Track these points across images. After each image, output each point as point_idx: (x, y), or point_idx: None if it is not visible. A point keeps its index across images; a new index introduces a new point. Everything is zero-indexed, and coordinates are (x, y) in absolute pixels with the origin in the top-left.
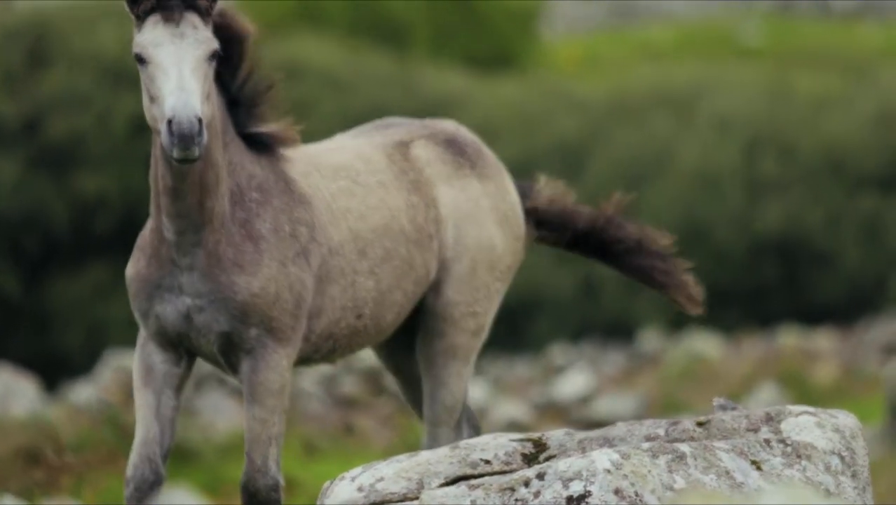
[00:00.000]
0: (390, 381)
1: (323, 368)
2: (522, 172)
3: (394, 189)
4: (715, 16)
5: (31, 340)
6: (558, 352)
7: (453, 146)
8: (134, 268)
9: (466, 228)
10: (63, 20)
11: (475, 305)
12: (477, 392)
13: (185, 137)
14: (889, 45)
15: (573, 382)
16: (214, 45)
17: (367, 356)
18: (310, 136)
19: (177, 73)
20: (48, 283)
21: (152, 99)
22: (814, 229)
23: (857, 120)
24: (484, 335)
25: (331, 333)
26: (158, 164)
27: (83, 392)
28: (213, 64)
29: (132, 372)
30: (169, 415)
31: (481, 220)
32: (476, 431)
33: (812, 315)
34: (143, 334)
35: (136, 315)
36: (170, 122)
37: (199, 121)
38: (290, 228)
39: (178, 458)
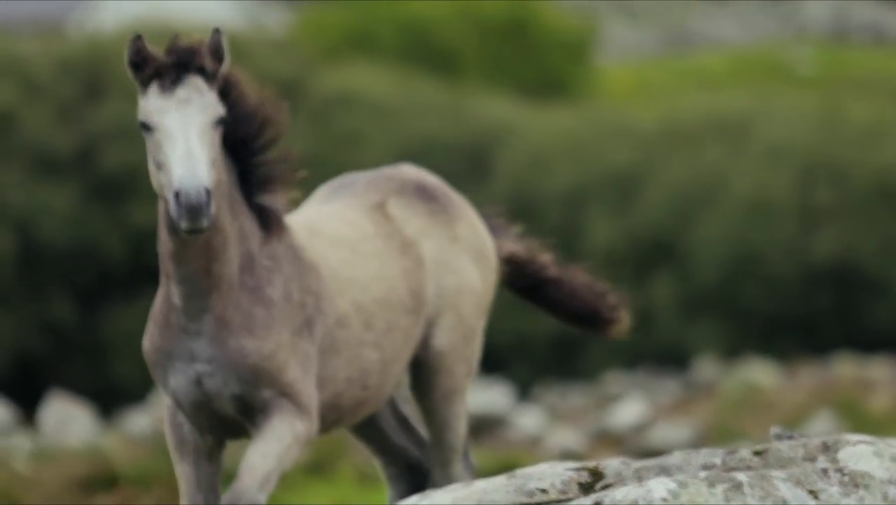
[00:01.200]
0: None
1: None
2: (576, 201)
3: (387, 257)
4: (767, 43)
5: (86, 369)
6: (613, 380)
7: (423, 194)
8: (149, 340)
9: (449, 277)
10: (118, 51)
11: (465, 350)
12: (531, 420)
13: (193, 209)
14: None
15: (628, 411)
16: (220, 110)
17: None
18: (364, 168)
19: (183, 142)
20: (103, 312)
21: (159, 166)
22: (868, 257)
23: None
24: (475, 369)
25: (336, 404)
26: (163, 229)
27: (138, 421)
28: (220, 129)
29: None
30: (208, 483)
31: (461, 265)
32: (466, 457)
33: (867, 343)
34: (169, 403)
35: (162, 389)
36: (177, 193)
37: (207, 192)
38: (298, 297)
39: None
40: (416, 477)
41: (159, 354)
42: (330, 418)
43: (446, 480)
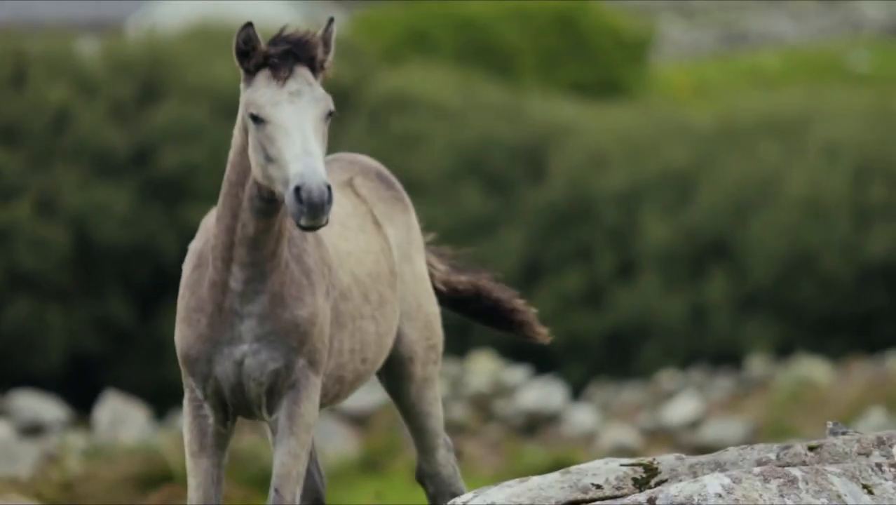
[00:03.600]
0: (500, 407)
1: None
2: (632, 200)
3: (370, 232)
4: (823, 42)
5: (142, 368)
6: (667, 378)
7: (384, 180)
8: (194, 332)
9: (406, 266)
10: (176, 53)
11: (432, 337)
12: (586, 417)
13: (315, 207)
14: None
15: (682, 408)
16: (330, 104)
17: (478, 382)
18: (423, 169)
19: (300, 137)
20: (159, 313)
21: (269, 159)
22: None
23: None
24: (440, 356)
25: (340, 376)
26: (241, 213)
27: None
28: (329, 122)
29: (183, 429)
30: (220, 477)
31: (414, 253)
32: (445, 439)
33: None
34: (194, 396)
35: (194, 381)
36: (298, 189)
37: (329, 189)
38: (320, 267)
39: None
40: None
41: (207, 344)
42: (332, 392)
43: (434, 466)
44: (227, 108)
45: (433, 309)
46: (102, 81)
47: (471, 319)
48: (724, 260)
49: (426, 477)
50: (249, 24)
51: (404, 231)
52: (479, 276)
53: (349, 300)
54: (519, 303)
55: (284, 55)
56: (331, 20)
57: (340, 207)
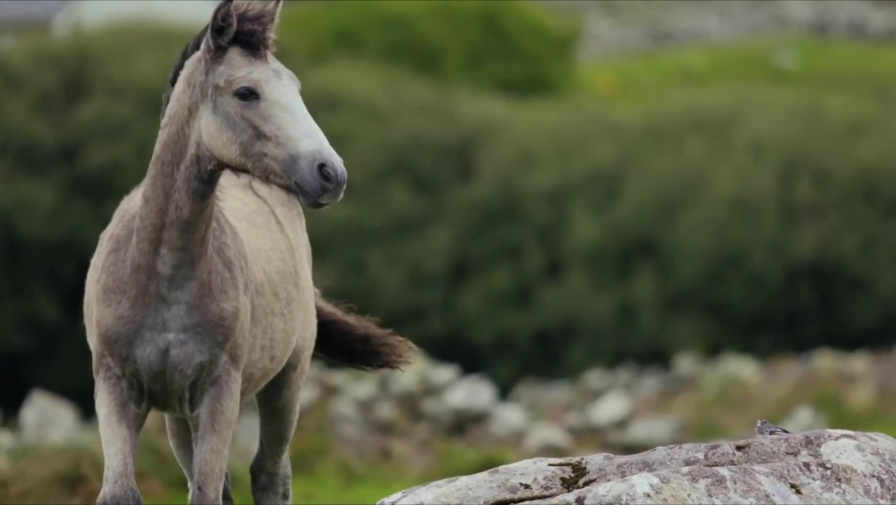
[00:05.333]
0: (428, 406)
1: (360, 393)
2: (560, 199)
3: (275, 231)
4: (749, 39)
5: (68, 367)
6: (595, 377)
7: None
8: (114, 313)
9: (302, 272)
10: (102, 48)
11: (311, 349)
12: (514, 416)
13: (340, 183)
14: None
15: (610, 407)
16: (299, 83)
17: (405, 382)
18: (352, 168)
19: (303, 114)
20: None
21: (263, 136)
22: (849, 254)
23: (892, 144)
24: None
25: (249, 373)
26: (175, 194)
27: None
28: None
29: (99, 405)
30: (135, 453)
31: (305, 261)
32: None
33: (847, 339)
34: (110, 374)
35: (111, 360)
36: (322, 165)
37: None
38: (238, 260)
39: None
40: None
41: (128, 326)
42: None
43: (277, 466)
44: (152, 105)
45: (315, 320)
46: (28, 76)
47: (324, 351)
48: (652, 258)
49: (264, 472)
50: (230, 1)
51: (300, 236)
52: (340, 306)
53: (262, 295)
54: (375, 329)
55: (261, 33)
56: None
57: (245, 206)
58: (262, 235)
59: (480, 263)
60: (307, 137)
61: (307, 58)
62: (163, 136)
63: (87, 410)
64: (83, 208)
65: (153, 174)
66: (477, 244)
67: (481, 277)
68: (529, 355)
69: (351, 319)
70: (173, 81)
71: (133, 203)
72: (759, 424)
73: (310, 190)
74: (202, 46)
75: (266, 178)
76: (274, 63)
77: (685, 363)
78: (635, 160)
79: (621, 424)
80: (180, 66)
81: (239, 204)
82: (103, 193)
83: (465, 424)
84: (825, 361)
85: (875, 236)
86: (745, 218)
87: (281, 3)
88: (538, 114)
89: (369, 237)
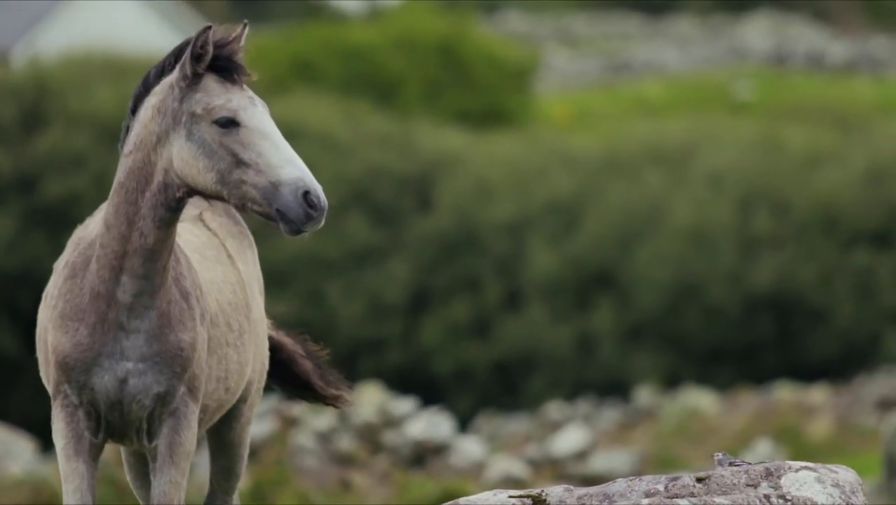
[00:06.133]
0: (388, 438)
1: (319, 425)
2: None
3: (225, 264)
4: (707, 71)
5: (27, 399)
6: (554, 408)
7: (232, 216)
8: (71, 340)
9: (253, 303)
10: (59, 80)
11: (262, 381)
12: (474, 447)
13: (323, 211)
14: (882, 100)
15: (569, 438)
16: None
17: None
18: None
19: (282, 141)
20: None
21: (242, 164)
22: (807, 285)
23: (850, 175)
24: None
25: (206, 404)
26: (139, 222)
27: None
28: None
29: (56, 435)
30: (94, 487)
31: (256, 293)
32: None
33: (806, 371)
34: (67, 402)
35: (69, 388)
36: (307, 193)
37: None
38: (195, 291)
39: None
40: None
41: (86, 354)
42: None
43: (228, 503)
44: (110, 136)
45: (267, 353)
46: None
47: (271, 382)
48: (611, 290)
49: None
50: (209, 28)
51: (252, 267)
52: (294, 335)
53: (217, 326)
54: (319, 367)
55: (238, 60)
56: (245, 24)
57: (196, 238)
58: (213, 268)
59: (439, 294)
60: (288, 165)
61: (265, 88)
62: (127, 163)
63: (46, 442)
64: (41, 239)
65: (116, 202)
66: (436, 276)
67: (440, 309)
68: (489, 387)
69: (299, 351)
70: (134, 110)
71: (88, 231)
72: (718, 457)
73: (294, 217)
74: (176, 73)
75: (243, 205)
76: (247, 91)
77: (644, 395)
78: (594, 192)
79: (581, 455)
80: (142, 95)
81: (190, 236)
82: (61, 224)
83: (424, 455)
84: (784, 393)
85: (834, 267)
86: (704, 249)
87: (247, 29)
88: (497, 145)
89: (328, 268)
